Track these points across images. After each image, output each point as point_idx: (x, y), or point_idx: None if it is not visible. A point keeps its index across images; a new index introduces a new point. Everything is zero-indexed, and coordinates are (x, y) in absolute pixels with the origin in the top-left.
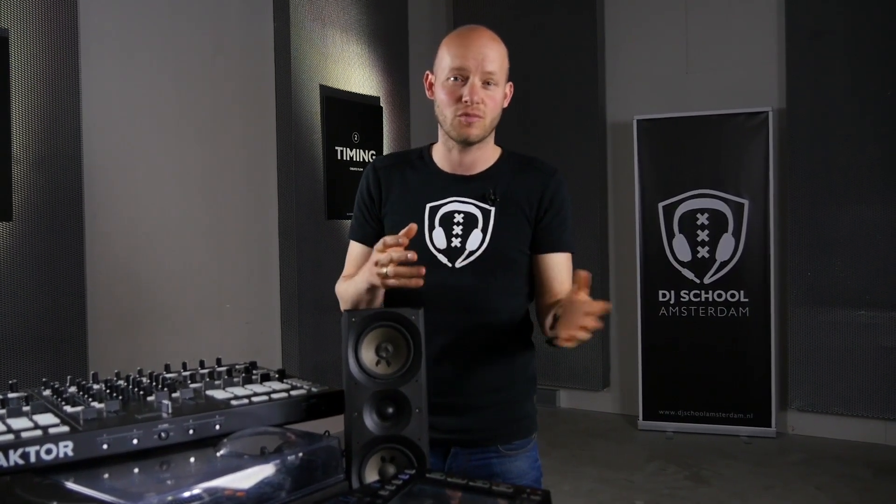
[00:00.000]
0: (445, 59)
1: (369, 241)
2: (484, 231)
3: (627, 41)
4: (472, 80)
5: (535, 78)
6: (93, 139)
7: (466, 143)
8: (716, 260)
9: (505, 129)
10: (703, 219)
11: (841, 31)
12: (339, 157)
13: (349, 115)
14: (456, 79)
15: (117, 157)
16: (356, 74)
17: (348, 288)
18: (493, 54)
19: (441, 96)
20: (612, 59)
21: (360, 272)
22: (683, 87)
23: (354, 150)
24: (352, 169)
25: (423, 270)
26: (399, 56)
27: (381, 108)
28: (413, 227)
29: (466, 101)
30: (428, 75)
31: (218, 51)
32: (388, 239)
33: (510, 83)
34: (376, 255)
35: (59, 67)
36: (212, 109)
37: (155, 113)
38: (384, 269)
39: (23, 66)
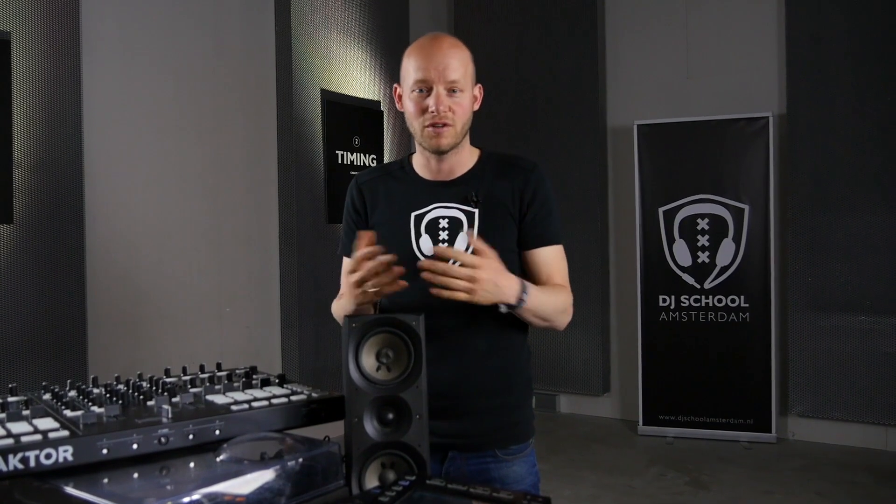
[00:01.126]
0: (409, 72)
1: None
2: None
3: (628, 46)
4: (436, 89)
5: (536, 83)
6: (94, 143)
7: (439, 153)
8: (716, 265)
9: (505, 134)
10: (703, 224)
11: (841, 36)
12: (339, 162)
13: (350, 119)
14: (421, 90)
15: (118, 160)
16: (357, 78)
17: (339, 312)
18: (454, 62)
19: (409, 108)
20: (612, 64)
21: (345, 296)
22: (684, 92)
23: (355, 154)
24: (352, 173)
25: (402, 270)
26: (400, 60)
27: (382, 112)
28: (368, 235)
29: (433, 112)
30: (396, 87)
31: (219, 54)
32: (358, 255)
33: (479, 85)
34: (352, 277)
35: (61, 70)
36: (213, 113)
37: (156, 116)
38: (368, 285)
39: (24, 68)
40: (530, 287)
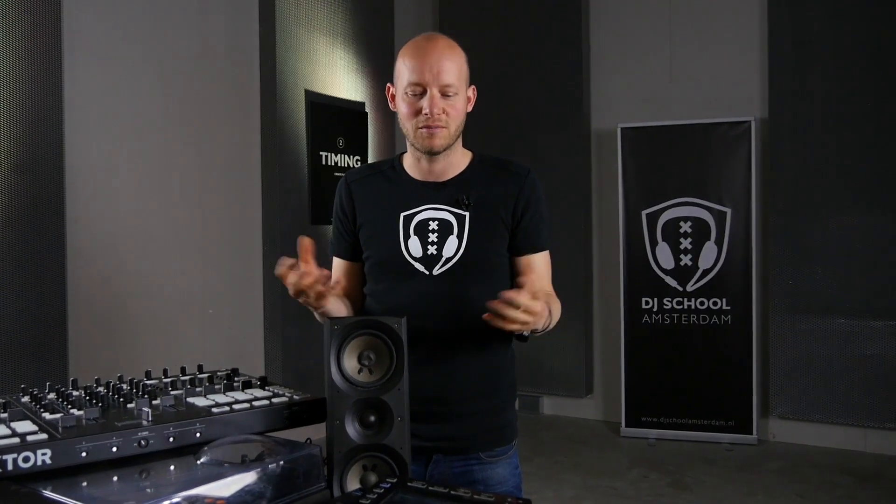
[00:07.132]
0: (403, 73)
1: (346, 256)
2: (460, 237)
3: (612, 50)
4: (429, 92)
5: (520, 86)
6: (75, 144)
7: (432, 154)
8: (698, 268)
9: (489, 136)
10: (685, 227)
11: (823, 41)
12: (323, 163)
13: (334, 120)
14: (415, 93)
15: (100, 161)
16: (341, 80)
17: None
18: (449, 65)
19: (402, 110)
20: (596, 67)
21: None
22: (667, 96)
23: (339, 155)
24: (336, 174)
25: (327, 274)
26: (385, 62)
27: (367, 113)
28: (303, 240)
29: (427, 115)
30: (389, 87)
31: (203, 55)
32: (279, 271)
33: (472, 87)
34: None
35: (42, 71)
36: (196, 114)
37: (138, 117)
38: (304, 297)
39: (5, 69)
40: (552, 311)
